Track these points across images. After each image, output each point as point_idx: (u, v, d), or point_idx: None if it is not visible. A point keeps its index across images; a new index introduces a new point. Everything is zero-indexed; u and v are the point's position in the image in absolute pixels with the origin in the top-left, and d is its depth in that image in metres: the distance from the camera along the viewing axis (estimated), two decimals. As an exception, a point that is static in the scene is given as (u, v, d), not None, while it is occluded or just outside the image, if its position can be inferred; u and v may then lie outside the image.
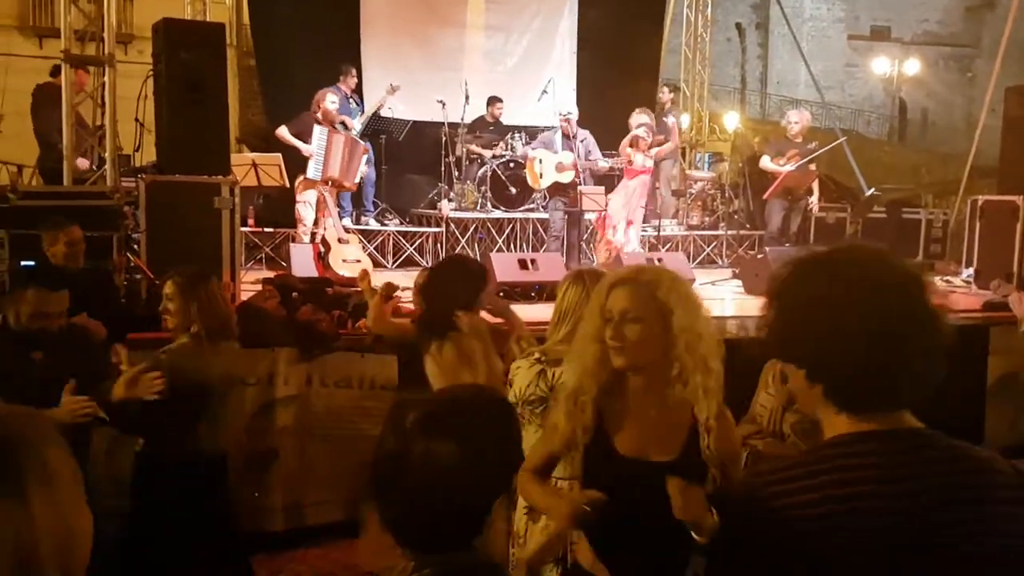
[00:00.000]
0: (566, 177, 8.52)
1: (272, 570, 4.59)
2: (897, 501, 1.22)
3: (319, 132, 8.07)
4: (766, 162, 8.97)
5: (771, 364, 3.59)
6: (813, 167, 8.84)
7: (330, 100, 8.26)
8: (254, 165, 8.04)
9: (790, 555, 1.24)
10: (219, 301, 3.48)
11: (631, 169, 8.39)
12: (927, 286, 1.28)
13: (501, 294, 6.84)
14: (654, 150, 8.68)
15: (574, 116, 8.66)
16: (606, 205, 8.24)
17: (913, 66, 22.90)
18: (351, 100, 9.37)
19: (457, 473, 1.25)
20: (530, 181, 8.91)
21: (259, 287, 6.16)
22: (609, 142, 9.03)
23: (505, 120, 10.02)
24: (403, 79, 9.60)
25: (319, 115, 8.20)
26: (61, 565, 0.93)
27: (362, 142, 8.66)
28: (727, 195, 10.65)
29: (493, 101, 9.92)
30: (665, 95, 10.71)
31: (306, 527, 4.93)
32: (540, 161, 8.66)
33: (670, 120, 9.58)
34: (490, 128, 9.84)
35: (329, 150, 8.07)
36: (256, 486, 4.84)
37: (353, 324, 5.35)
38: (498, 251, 8.77)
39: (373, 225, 9.20)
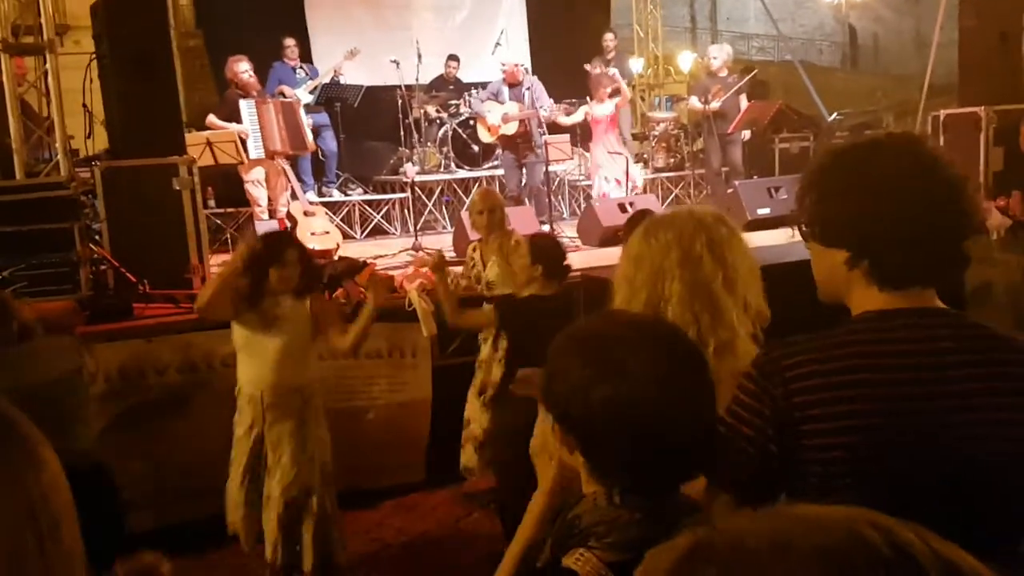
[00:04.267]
0: (510, 128, 8.44)
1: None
2: (918, 372, 1.30)
3: (246, 106, 7.71)
4: (694, 103, 8.96)
5: None
6: (744, 97, 8.83)
7: (242, 69, 7.90)
8: (209, 144, 7.82)
9: (808, 417, 1.32)
10: None
11: (594, 119, 8.44)
12: (955, 168, 1.36)
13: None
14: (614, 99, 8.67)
15: (522, 64, 8.54)
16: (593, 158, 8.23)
17: (861, -9, 22.81)
18: (299, 70, 9.14)
19: (696, 410, 1.21)
20: (485, 136, 8.83)
21: (229, 268, 6.03)
22: (564, 87, 8.96)
23: (463, 77, 9.87)
24: (353, 43, 9.38)
25: (238, 89, 7.88)
26: (68, 518, 0.92)
27: (293, 95, 8.36)
28: (690, 135, 10.60)
29: (449, 60, 9.76)
30: (611, 41, 10.53)
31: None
32: (489, 112, 8.59)
33: (611, 70, 9.36)
34: (449, 87, 9.68)
35: (263, 122, 7.74)
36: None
37: (330, 295, 5.27)
38: (465, 211, 8.66)
39: (336, 196, 9.04)
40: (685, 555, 0.60)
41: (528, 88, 8.46)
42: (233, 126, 7.74)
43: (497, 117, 8.50)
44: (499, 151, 9.22)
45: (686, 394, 1.19)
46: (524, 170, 8.54)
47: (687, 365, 1.22)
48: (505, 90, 8.54)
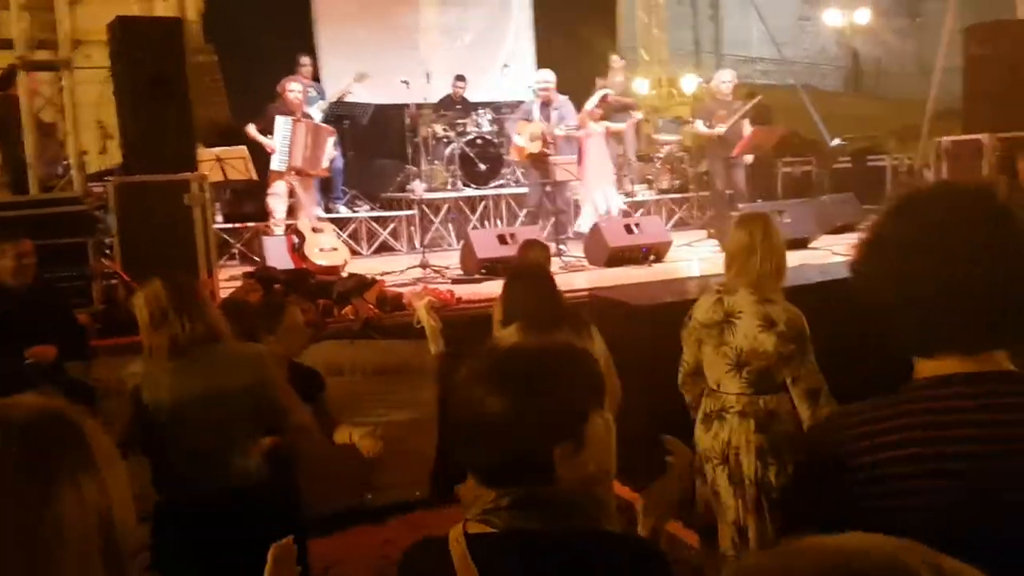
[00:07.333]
0: (534, 147, 8.51)
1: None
2: (970, 445, 1.17)
3: (283, 122, 7.96)
4: (700, 127, 8.99)
5: None
6: (747, 122, 8.89)
7: (291, 88, 8.16)
8: (219, 160, 7.91)
9: (863, 495, 1.21)
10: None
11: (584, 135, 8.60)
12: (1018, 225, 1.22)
13: (483, 271, 6.84)
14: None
15: (552, 84, 8.61)
16: (580, 175, 8.28)
17: (863, 15, 23.02)
18: (310, 89, 9.24)
19: (506, 422, 1.32)
20: (513, 155, 8.95)
21: (235, 284, 6.09)
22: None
23: (470, 96, 9.96)
24: (362, 63, 9.46)
25: (284, 106, 8.12)
26: (127, 529, 1.00)
27: (326, 125, 8.57)
28: (694, 157, 10.67)
29: (456, 80, 9.86)
30: (617, 63, 10.64)
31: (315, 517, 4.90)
32: (519, 134, 8.69)
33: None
34: (456, 106, 9.77)
35: (293, 140, 7.96)
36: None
37: (339, 311, 5.32)
38: (473, 229, 8.73)
39: (344, 212, 9.11)
40: None
41: (556, 108, 8.55)
42: (264, 140, 8.06)
43: (525, 138, 8.59)
44: (509, 170, 9.32)
45: (535, 416, 1.33)
46: (548, 189, 8.61)
47: (542, 394, 1.34)
48: (536, 110, 8.64)
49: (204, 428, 2.80)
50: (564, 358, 1.43)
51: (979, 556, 1.08)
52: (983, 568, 1.05)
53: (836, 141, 10.48)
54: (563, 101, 8.69)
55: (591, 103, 8.70)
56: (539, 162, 8.59)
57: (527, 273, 3.55)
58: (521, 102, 9.31)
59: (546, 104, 8.60)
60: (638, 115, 9.73)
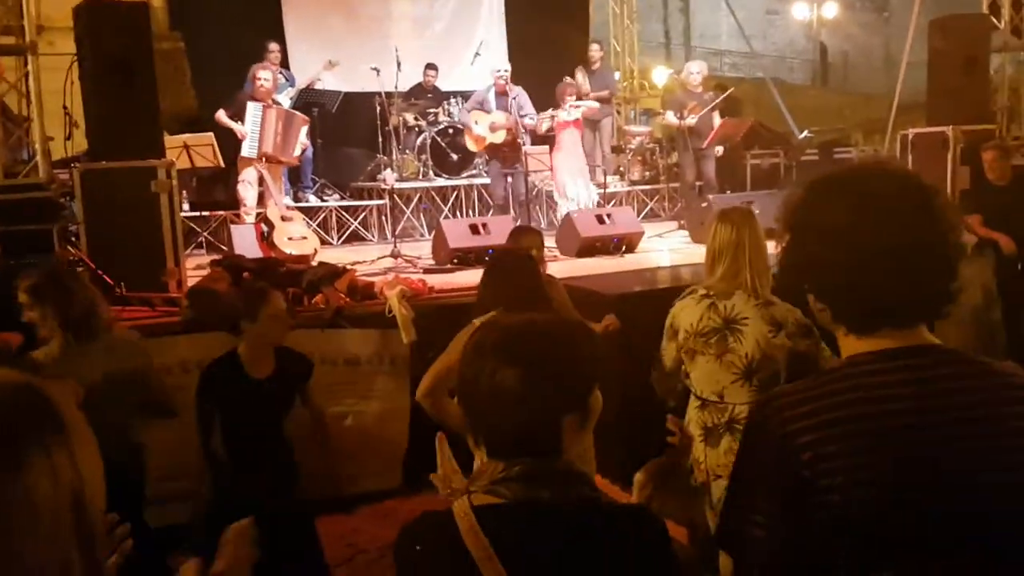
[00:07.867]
0: (498, 137, 8.50)
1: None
2: (911, 417, 1.22)
3: (253, 108, 7.88)
4: (670, 118, 9.04)
5: None
6: (717, 114, 8.97)
7: (261, 76, 8.07)
8: (186, 147, 7.82)
9: (810, 474, 1.22)
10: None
11: (559, 124, 8.58)
12: (938, 201, 1.27)
13: (455, 261, 6.83)
14: (582, 105, 8.78)
15: (508, 73, 8.60)
16: (551, 166, 8.27)
17: (831, 9, 23.28)
18: (280, 76, 9.14)
19: (519, 393, 1.34)
20: (472, 146, 8.87)
21: (202, 272, 6.02)
22: (542, 99, 9.03)
23: (441, 85, 9.92)
24: (331, 51, 9.40)
25: (253, 93, 8.04)
26: (98, 509, 0.98)
27: (300, 113, 8.48)
28: (664, 149, 10.72)
29: (428, 69, 9.80)
30: (596, 53, 10.72)
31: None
32: (476, 123, 8.63)
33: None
34: (427, 95, 9.72)
35: (263, 126, 7.89)
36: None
37: (309, 300, 5.28)
38: (445, 219, 8.71)
39: (313, 201, 9.05)
40: None
41: (514, 98, 8.53)
42: (236, 126, 7.96)
43: (484, 128, 8.55)
44: (482, 160, 9.28)
45: (546, 388, 1.36)
46: (510, 179, 8.59)
47: (552, 367, 1.38)
48: (492, 99, 8.61)
49: (111, 408, 2.97)
50: (571, 331, 1.47)
51: (926, 523, 1.19)
52: (930, 535, 1.17)
53: (804, 134, 10.58)
54: (519, 91, 8.69)
55: (544, 124, 8.73)
56: (499, 152, 8.59)
57: (508, 262, 3.47)
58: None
59: (501, 94, 8.58)
60: (593, 104, 9.70)
